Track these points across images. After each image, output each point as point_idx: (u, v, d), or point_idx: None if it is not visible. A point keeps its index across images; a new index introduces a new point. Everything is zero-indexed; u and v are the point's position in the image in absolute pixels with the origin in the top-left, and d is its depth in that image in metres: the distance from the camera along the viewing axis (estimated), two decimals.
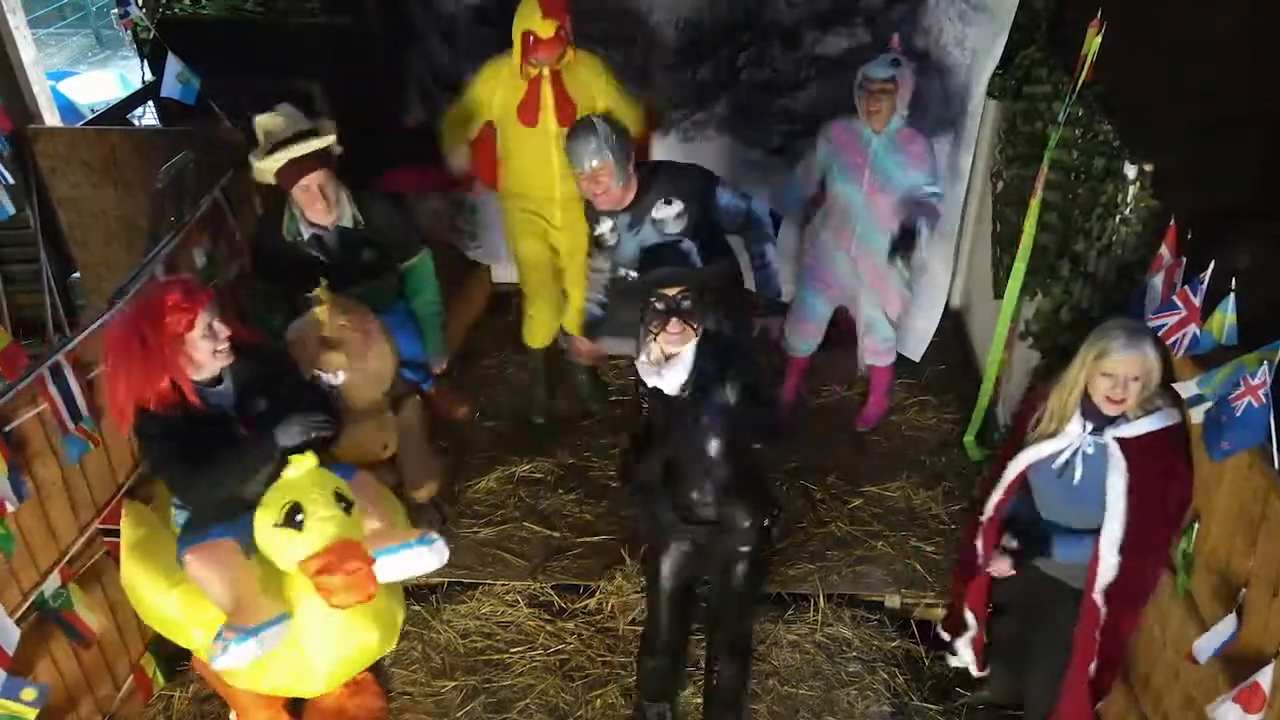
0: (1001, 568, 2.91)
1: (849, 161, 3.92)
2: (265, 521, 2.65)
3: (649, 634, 3.26)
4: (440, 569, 3.75)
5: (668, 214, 3.44)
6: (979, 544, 3.00)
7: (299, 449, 2.74)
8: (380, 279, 3.56)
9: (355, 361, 3.24)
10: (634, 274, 3.47)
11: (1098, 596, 2.73)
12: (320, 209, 3.35)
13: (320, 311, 3.19)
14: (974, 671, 3.27)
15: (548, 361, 4.57)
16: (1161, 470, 2.63)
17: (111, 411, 2.74)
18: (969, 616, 3.14)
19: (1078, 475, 2.70)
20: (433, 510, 3.98)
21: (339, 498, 2.66)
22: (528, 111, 3.87)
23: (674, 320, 2.68)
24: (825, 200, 4.08)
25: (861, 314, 4.24)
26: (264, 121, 3.31)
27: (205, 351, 2.69)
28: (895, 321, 4.25)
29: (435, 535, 2.80)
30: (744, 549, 3.02)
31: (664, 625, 3.18)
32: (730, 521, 2.99)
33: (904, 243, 3.73)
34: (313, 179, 3.28)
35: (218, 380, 2.78)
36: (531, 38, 3.72)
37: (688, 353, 2.75)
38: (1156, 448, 2.62)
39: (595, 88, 3.94)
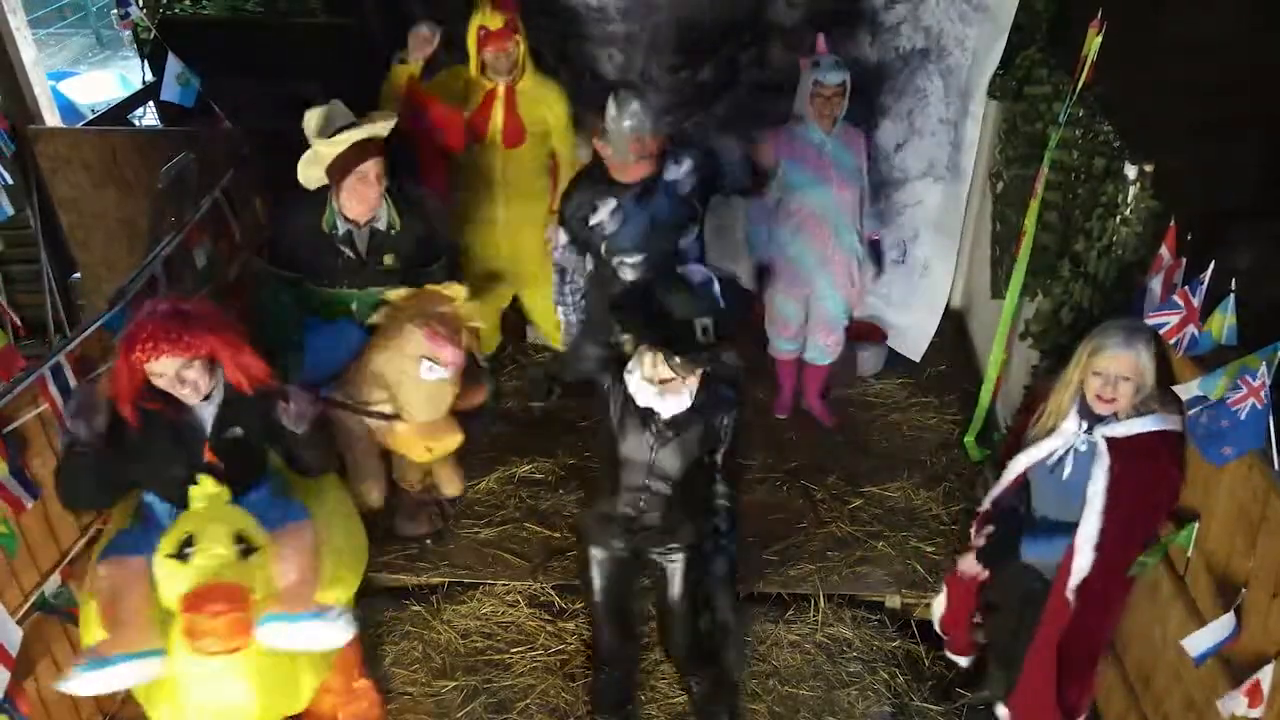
0: (967, 566, 2.96)
1: (812, 168, 3.94)
2: (162, 549, 2.54)
3: (597, 647, 3.24)
4: (441, 569, 3.83)
5: (680, 172, 3.40)
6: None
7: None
8: (388, 284, 3.52)
9: (440, 429, 3.40)
10: (629, 261, 3.45)
11: (1070, 594, 2.75)
12: (374, 197, 3.33)
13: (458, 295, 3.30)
14: (960, 662, 3.35)
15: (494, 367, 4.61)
16: (1148, 473, 2.64)
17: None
18: (941, 598, 3.25)
19: (1067, 471, 2.73)
20: (433, 507, 3.99)
21: (239, 539, 2.54)
22: (478, 124, 3.87)
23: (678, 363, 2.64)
24: (782, 213, 4.05)
25: (821, 308, 4.19)
26: (317, 113, 3.30)
27: (165, 386, 2.61)
28: (851, 313, 4.28)
29: (336, 612, 2.63)
30: (680, 555, 3.02)
31: (609, 636, 3.18)
32: (671, 529, 2.98)
33: (875, 255, 4.13)
34: (372, 165, 3.27)
35: (207, 398, 2.69)
36: (483, 31, 3.73)
37: (694, 382, 2.73)
38: (1146, 450, 2.62)
39: (549, 113, 3.94)
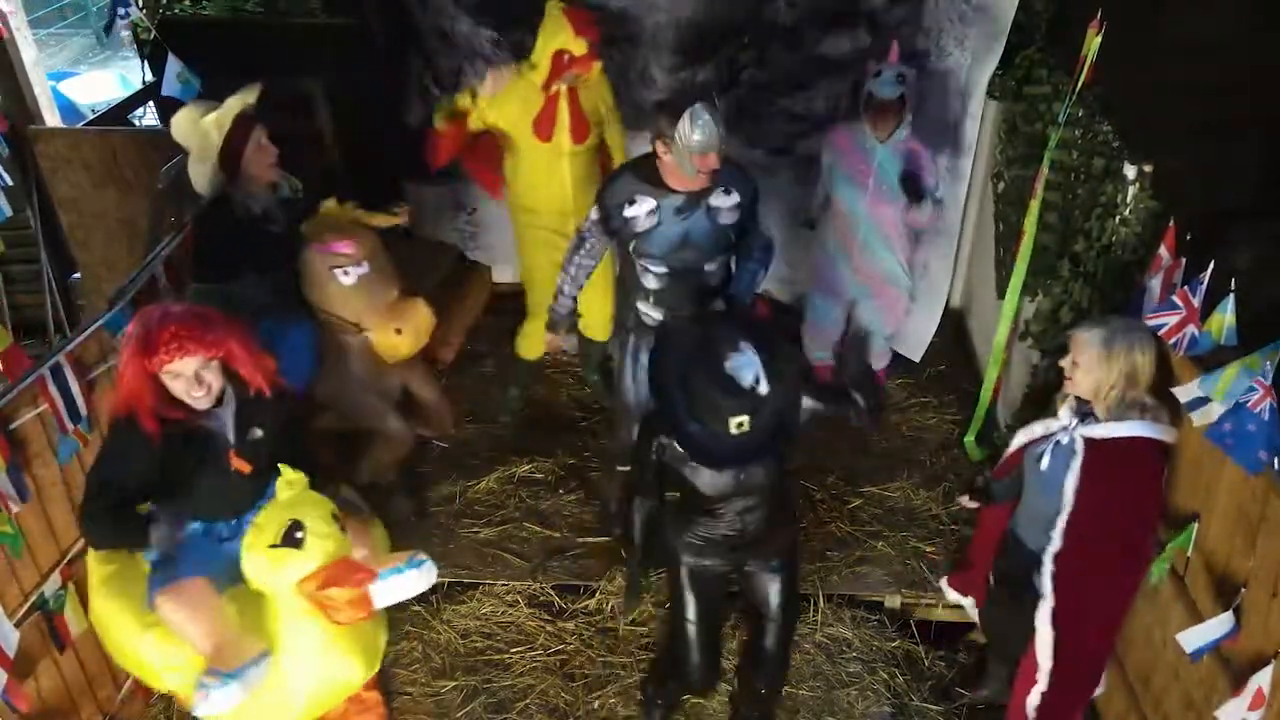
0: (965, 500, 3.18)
1: (852, 169, 3.94)
2: (260, 543, 2.58)
3: (683, 672, 3.11)
4: (440, 569, 3.82)
5: (725, 203, 3.33)
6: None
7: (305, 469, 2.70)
8: None
9: (394, 310, 3.40)
10: (653, 269, 3.39)
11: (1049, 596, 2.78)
12: (272, 164, 3.43)
13: (331, 208, 3.33)
14: (970, 610, 3.38)
15: (534, 371, 4.58)
16: (1123, 479, 2.64)
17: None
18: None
19: (1045, 462, 2.77)
20: (402, 500, 4.02)
21: (334, 518, 2.63)
22: (544, 127, 3.85)
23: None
24: (830, 208, 4.10)
25: (858, 319, 4.26)
26: (185, 112, 3.41)
27: (179, 390, 2.60)
28: (891, 331, 4.30)
29: (424, 557, 2.76)
30: (780, 560, 3.01)
31: (697, 663, 3.06)
32: (773, 537, 2.96)
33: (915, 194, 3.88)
34: (261, 131, 3.37)
35: (217, 401, 2.68)
36: (566, 56, 3.73)
37: None
38: (1123, 454, 2.63)
39: (602, 101, 3.95)
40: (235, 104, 3.33)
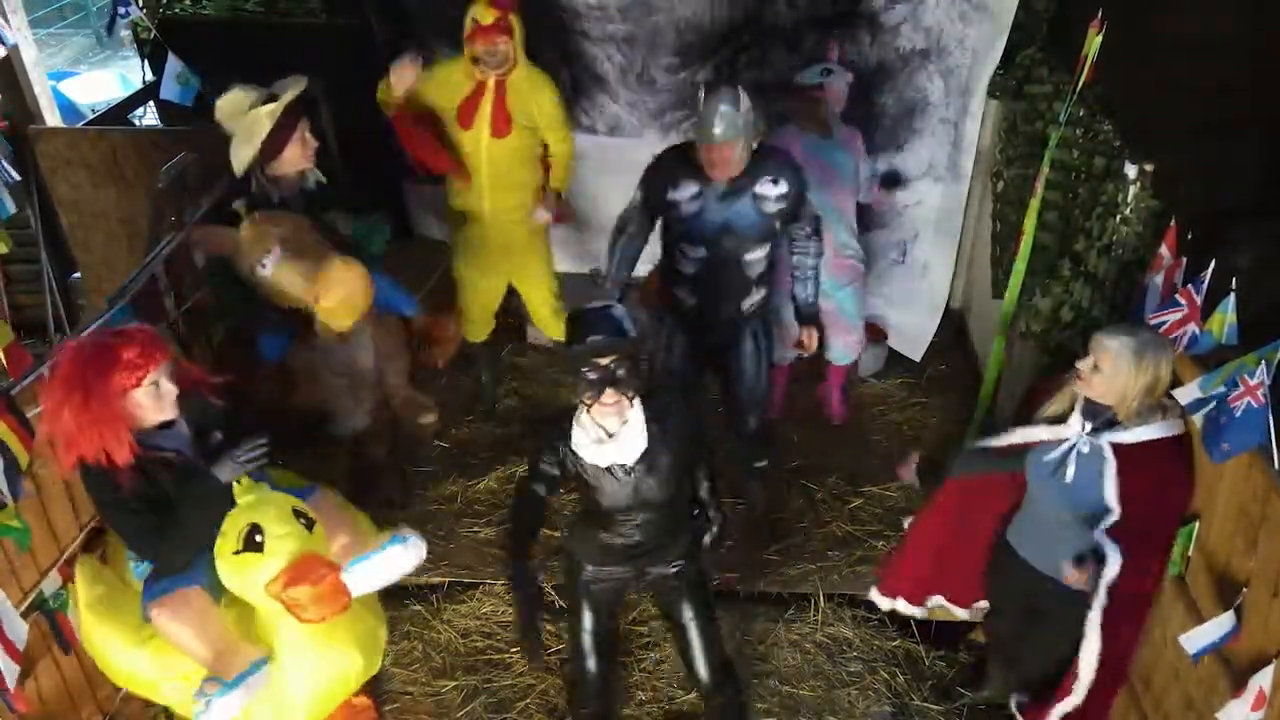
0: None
1: (809, 171, 3.94)
2: (225, 551, 2.57)
3: (581, 682, 3.04)
4: (440, 568, 3.83)
5: (771, 193, 3.30)
6: None
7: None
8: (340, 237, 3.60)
9: (312, 279, 3.27)
10: (691, 254, 3.38)
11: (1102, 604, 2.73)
12: (310, 155, 3.47)
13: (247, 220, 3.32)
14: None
15: (492, 353, 4.60)
16: (1156, 477, 2.63)
17: (54, 454, 2.59)
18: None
19: (1070, 473, 2.70)
20: (396, 475, 4.04)
21: (297, 514, 2.60)
22: (465, 114, 3.85)
23: (609, 391, 2.52)
24: None
25: (837, 309, 4.21)
26: (235, 96, 3.41)
27: (148, 409, 2.57)
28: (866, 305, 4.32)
29: (409, 533, 2.69)
30: (683, 564, 2.93)
31: (594, 673, 3.00)
32: (673, 544, 2.90)
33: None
34: (306, 124, 3.43)
35: (170, 423, 2.65)
36: (474, 24, 3.72)
37: (636, 419, 2.63)
38: (1152, 456, 2.62)
39: (538, 106, 3.90)
40: (289, 94, 3.37)
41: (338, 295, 3.33)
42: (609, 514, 2.77)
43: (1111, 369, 2.55)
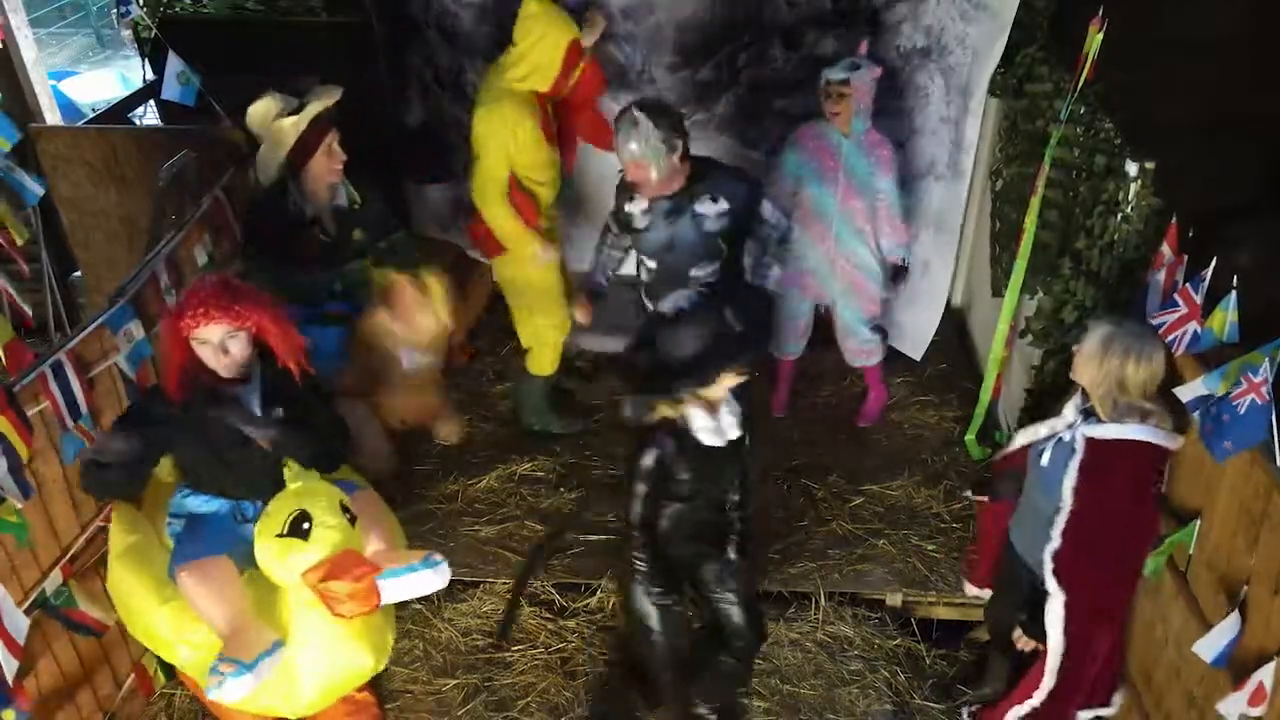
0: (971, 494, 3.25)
1: (821, 166, 3.99)
2: (268, 531, 2.59)
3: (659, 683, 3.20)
4: None
5: (710, 210, 3.35)
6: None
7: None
8: (361, 257, 3.64)
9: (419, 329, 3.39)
10: (647, 264, 3.47)
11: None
12: (338, 169, 3.45)
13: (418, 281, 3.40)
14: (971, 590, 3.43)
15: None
16: (1117, 479, 2.64)
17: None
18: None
19: (1045, 459, 2.77)
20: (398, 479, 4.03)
21: (343, 509, 2.63)
22: (548, 129, 3.80)
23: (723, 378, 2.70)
24: (796, 207, 4.08)
25: (839, 317, 4.26)
26: (265, 102, 3.39)
27: (208, 356, 2.67)
28: (874, 322, 4.29)
29: (439, 558, 2.74)
30: (739, 502, 3.06)
31: (670, 677, 3.15)
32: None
33: (897, 275, 4.15)
34: (334, 136, 3.40)
35: (245, 379, 2.74)
36: (578, 49, 3.71)
37: (725, 392, 2.78)
38: (1121, 455, 2.63)
39: None
40: (316, 106, 3.36)
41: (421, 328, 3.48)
42: (697, 499, 2.95)
43: (1083, 354, 2.62)
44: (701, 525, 3.04)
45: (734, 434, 2.80)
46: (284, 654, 2.66)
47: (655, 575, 2.97)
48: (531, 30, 3.64)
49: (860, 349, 4.34)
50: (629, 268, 3.76)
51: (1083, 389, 2.71)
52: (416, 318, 3.45)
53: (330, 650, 2.74)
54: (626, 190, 3.45)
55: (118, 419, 2.78)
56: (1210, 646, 2.45)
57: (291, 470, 2.68)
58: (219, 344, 2.64)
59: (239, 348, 2.67)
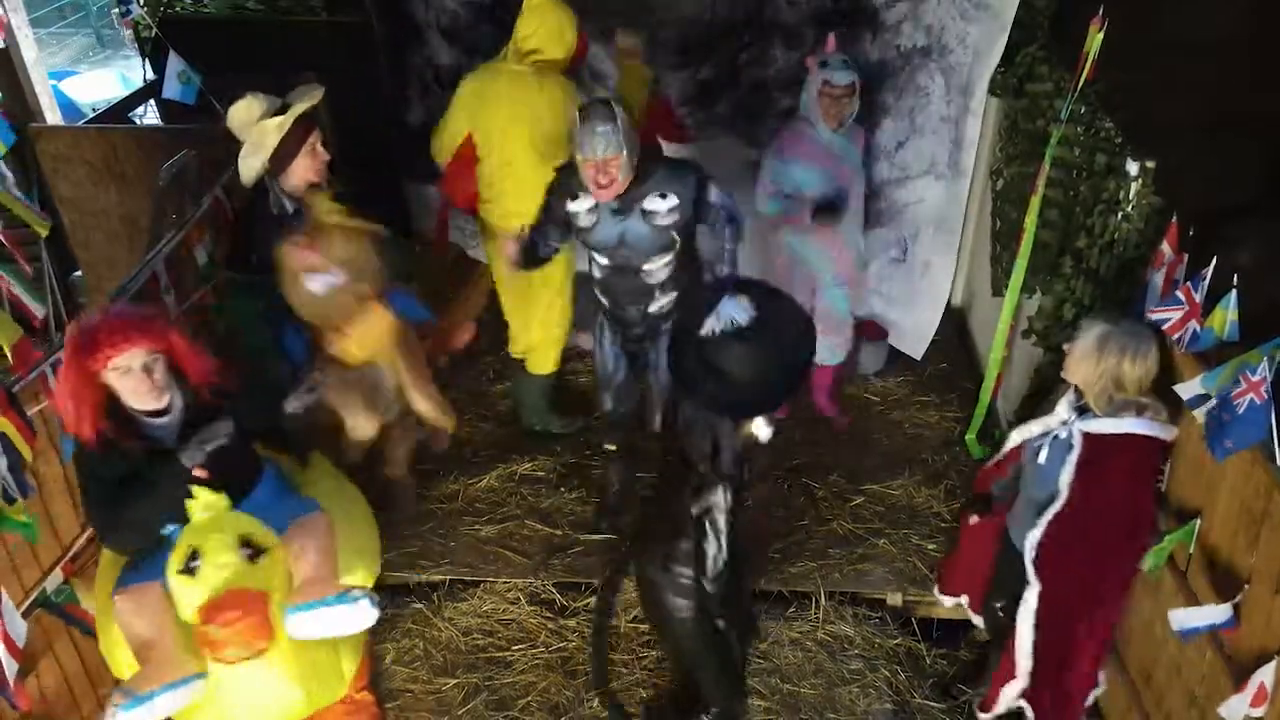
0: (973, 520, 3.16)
1: (822, 165, 3.94)
2: (172, 567, 2.53)
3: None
4: (442, 566, 3.83)
5: (660, 207, 3.31)
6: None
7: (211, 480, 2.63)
8: None
9: (345, 320, 3.31)
10: (600, 260, 3.45)
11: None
12: (321, 168, 3.44)
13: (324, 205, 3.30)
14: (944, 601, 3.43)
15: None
16: (1115, 474, 2.66)
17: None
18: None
19: (1043, 456, 2.78)
20: (410, 487, 4.04)
21: (245, 544, 2.54)
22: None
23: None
24: (791, 210, 4.00)
25: (822, 297, 4.19)
26: (247, 102, 3.35)
27: (126, 390, 2.57)
28: (852, 304, 4.27)
29: (359, 594, 2.62)
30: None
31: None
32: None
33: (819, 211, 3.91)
34: (318, 136, 3.40)
35: (164, 411, 2.65)
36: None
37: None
38: (1120, 449, 2.64)
39: None
40: (300, 106, 3.34)
41: (364, 343, 3.40)
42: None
43: (1077, 354, 2.64)
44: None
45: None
46: (201, 686, 2.55)
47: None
48: (534, 13, 3.75)
49: (837, 342, 4.24)
50: None
51: (1075, 386, 2.71)
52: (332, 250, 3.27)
53: (255, 685, 2.65)
54: (566, 189, 3.38)
55: (89, 502, 2.66)
56: (1185, 620, 2.48)
57: (200, 501, 2.59)
58: (141, 371, 2.54)
59: (161, 372, 2.58)
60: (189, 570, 2.49)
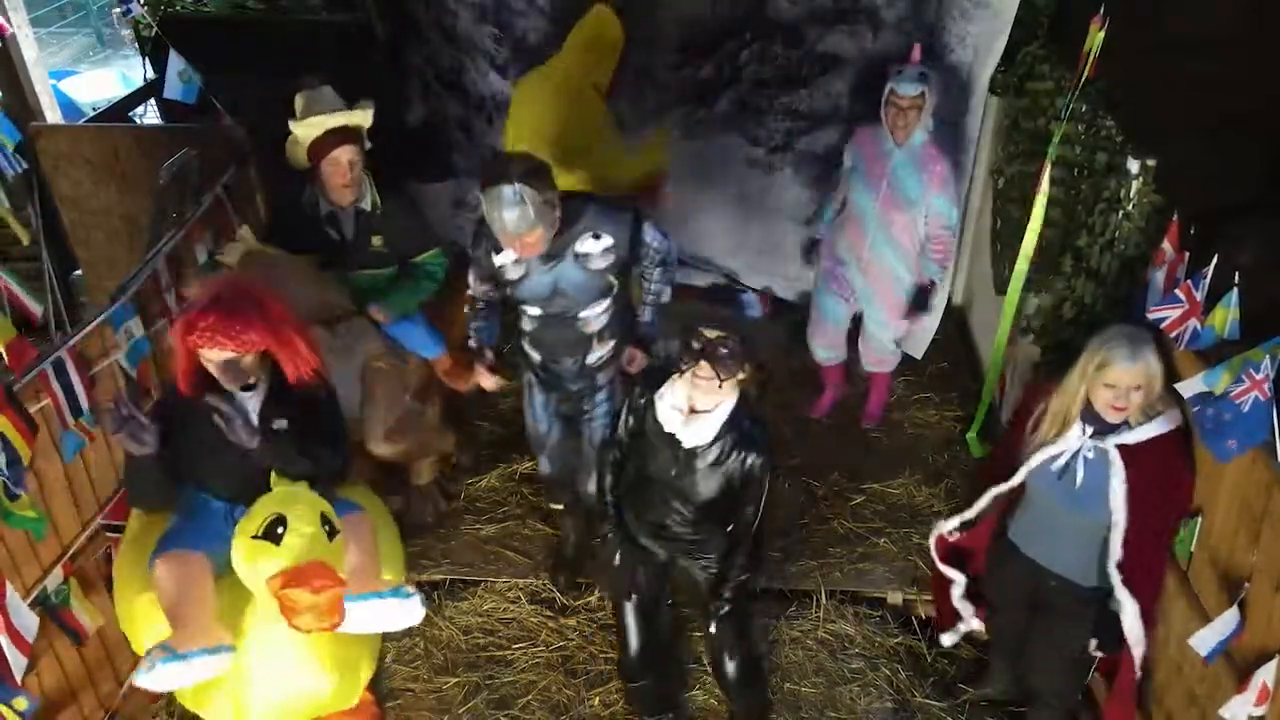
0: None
1: (868, 170, 3.93)
2: (245, 532, 2.55)
3: (623, 657, 3.17)
4: (442, 565, 3.83)
5: (594, 248, 3.09)
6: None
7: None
8: (383, 267, 3.63)
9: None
10: (529, 312, 3.25)
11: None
12: (343, 184, 3.41)
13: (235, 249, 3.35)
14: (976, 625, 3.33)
15: None
16: (1161, 473, 2.64)
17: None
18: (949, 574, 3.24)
19: (1079, 479, 2.70)
20: (436, 495, 4.04)
21: (324, 520, 2.58)
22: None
23: (704, 364, 2.54)
24: (845, 211, 4.07)
25: (865, 324, 4.25)
26: (306, 94, 3.40)
27: (212, 368, 2.65)
28: (897, 334, 4.26)
29: (411, 590, 2.68)
30: (711, 559, 2.94)
31: (636, 643, 3.11)
32: (700, 543, 2.94)
33: (920, 299, 4.05)
34: (343, 152, 3.37)
35: (250, 386, 2.72)
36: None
37: (720, 413, 2.66)
38: (1157, 452, 2.62)
39: None
40: (332, 120, 3.35)
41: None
42: (648, 481, 2.86)
43: (1118, 370, 2.55)
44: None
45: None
46: (230, 659, 2.58)
47: None
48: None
49: (877, 357, 4.32)
50: None
51: (1087, 404, 2.66)
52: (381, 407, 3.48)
53: (288, 666, 2.67)
54: (491, 242, 3.11)
55: (148, 411, 2.75)
56: (1206, 641, 2.45)
57: (280, 477, 2.65)
58: (222, 364, 2.62)
59: (245, 366, 2.65)
60: (272, 536, 2.50)
